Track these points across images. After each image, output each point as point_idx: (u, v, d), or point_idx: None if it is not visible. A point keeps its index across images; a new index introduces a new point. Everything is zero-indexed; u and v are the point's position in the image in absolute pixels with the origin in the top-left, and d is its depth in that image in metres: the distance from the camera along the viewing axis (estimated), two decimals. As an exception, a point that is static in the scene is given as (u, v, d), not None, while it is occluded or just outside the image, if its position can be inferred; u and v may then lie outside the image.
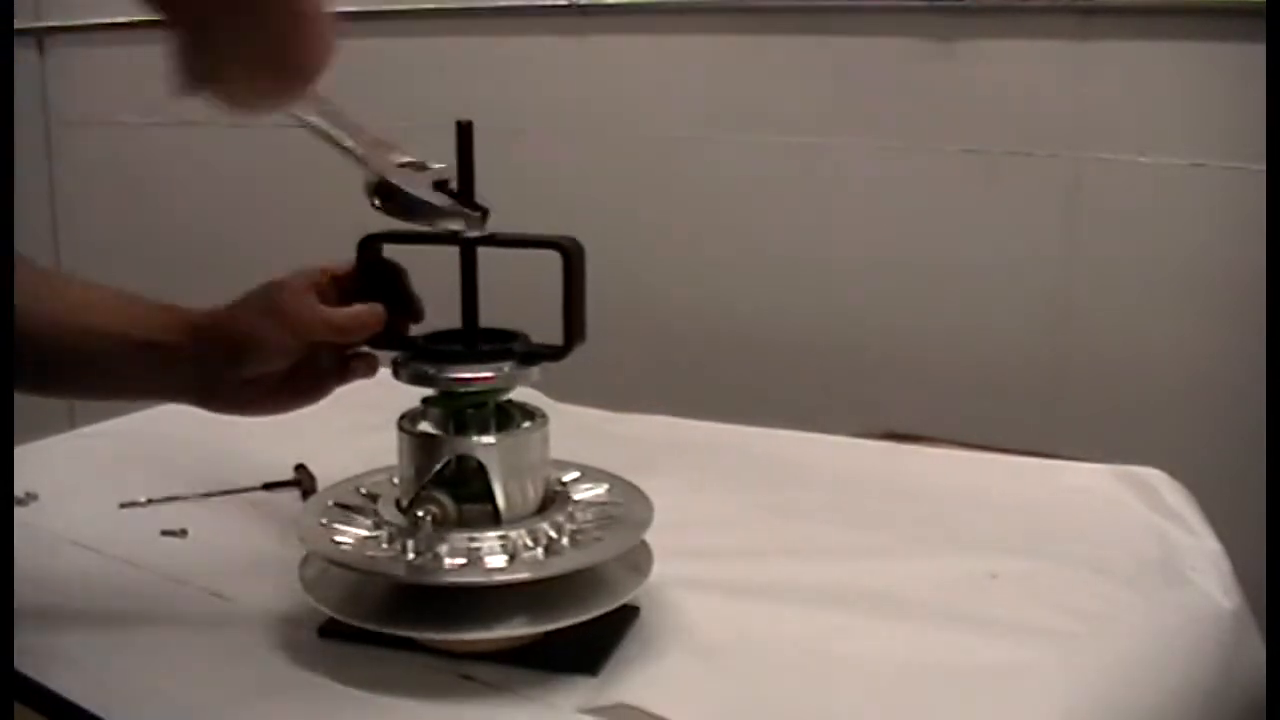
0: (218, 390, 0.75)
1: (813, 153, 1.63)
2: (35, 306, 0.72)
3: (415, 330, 0.76)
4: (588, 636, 0.68)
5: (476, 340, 0.73)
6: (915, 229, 1.59)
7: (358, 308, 0.73)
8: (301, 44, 0.60)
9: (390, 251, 0.76)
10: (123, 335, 0.74)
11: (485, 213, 0.71)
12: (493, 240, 0.72)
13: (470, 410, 0.72)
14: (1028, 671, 0.69)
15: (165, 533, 0.87)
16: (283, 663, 0.70)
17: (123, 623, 0.75)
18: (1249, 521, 0.81)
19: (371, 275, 0.75)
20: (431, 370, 0.71)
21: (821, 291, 1.66)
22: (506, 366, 0.71)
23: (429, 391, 0.73)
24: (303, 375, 0.75)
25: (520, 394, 0.74)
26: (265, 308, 0.73)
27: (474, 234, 0.71)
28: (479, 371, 0.71)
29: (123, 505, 0.92)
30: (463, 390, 0.71)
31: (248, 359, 0.73)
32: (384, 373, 1.12)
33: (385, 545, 0.69)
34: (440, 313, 0.76)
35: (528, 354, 0.72)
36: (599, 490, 0.77)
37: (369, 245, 0.75)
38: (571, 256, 0.71)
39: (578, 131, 1.79)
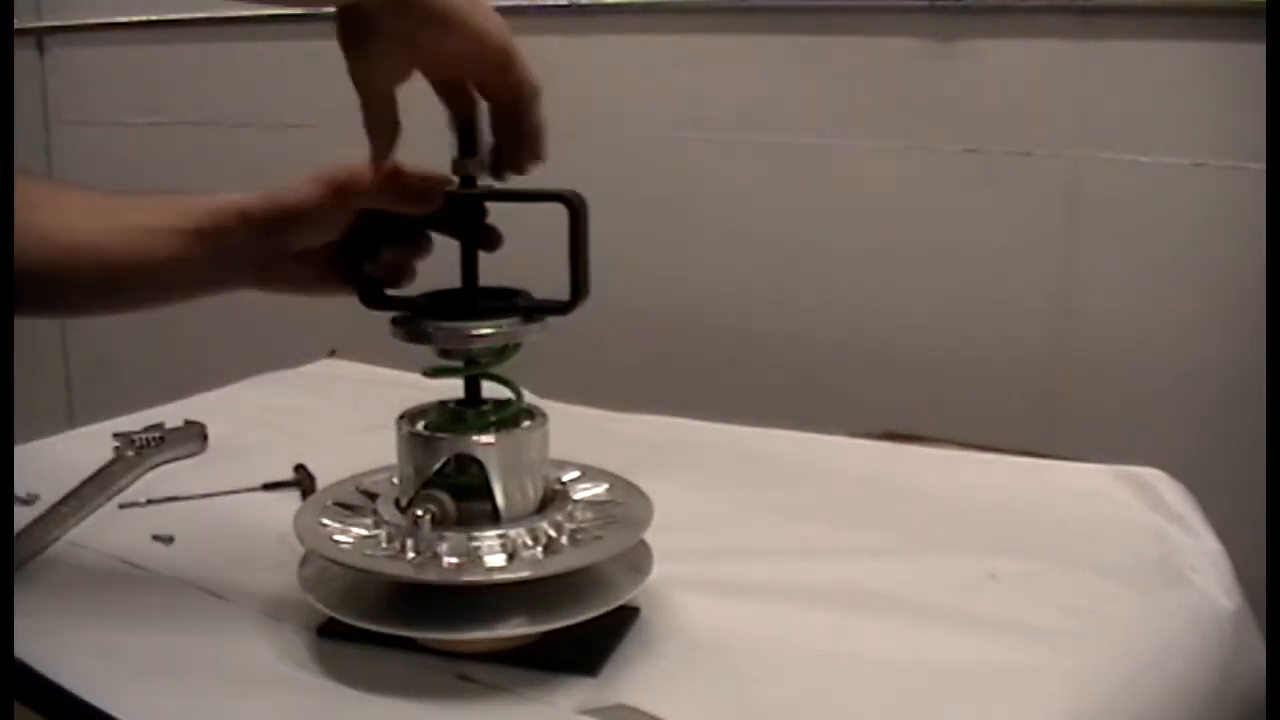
0: (273, 267, 0.76)
1: (813, 153, 1.62)
2: (86, 223, 0.75)
3: (409, 291, 0.75)
4: (587, 637, 0.68)
5: (477, 298, 0.72)
6: (915, 229, 1.59)
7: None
8: None
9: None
10: (173, 229, 0.75)
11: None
12: (493, 195, 0.70)
13: (471, 411, 0.72)
14: (1028, 671, 0.69)
15: (155, 538, 0.86)
16: (281, 662, 0.70)
17: (121, 623, 0.74)
18: (1249, 521, 0.81)
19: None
20: (433, 327, 0.70)
21: (821, 291, 1.65)
22: (511, 321, 0.70)
23: (431, 391, 0.73)
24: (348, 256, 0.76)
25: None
26: (311, 178, 0.74)
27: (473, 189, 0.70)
28: (482, 327, 0.69)
29: (122, 506, 0.92)
30: (466, 347, 0.70)
31: (298, 228, 0.74)
32: (383, 372, 1.13)
33: (384, 544, 0.69)
34: (429, 280, 0.75)
35: (532, 309, 0.71)
36: (599, 489, 0.76)
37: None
38: (576, 209, 0.69)
39: (577, 131, 1.78)
